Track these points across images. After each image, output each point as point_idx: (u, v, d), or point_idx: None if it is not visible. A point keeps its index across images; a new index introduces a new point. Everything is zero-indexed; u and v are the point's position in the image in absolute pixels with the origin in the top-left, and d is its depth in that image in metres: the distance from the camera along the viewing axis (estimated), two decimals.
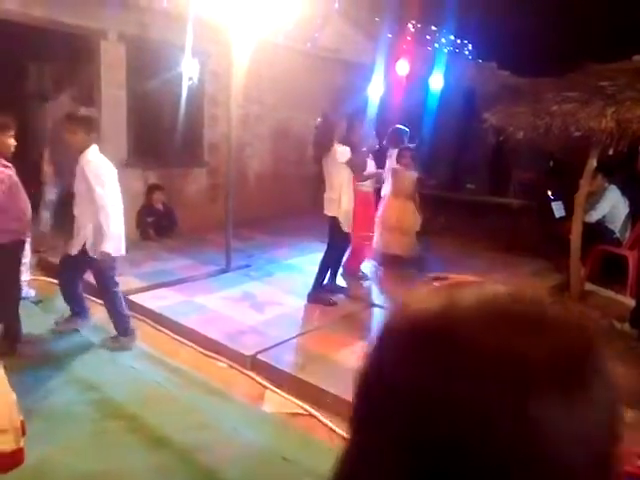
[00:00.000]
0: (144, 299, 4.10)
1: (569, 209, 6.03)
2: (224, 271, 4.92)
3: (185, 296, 4.21)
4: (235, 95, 5.08)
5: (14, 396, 1.98)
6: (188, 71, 6.23)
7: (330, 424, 2.76)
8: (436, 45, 8.16)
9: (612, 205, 5.54)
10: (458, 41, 8.96)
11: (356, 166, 4.29)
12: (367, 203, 4.93)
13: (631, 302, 4.93)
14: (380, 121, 5.58)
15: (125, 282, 4.36)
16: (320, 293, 4.28)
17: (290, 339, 3.56)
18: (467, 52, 8.57)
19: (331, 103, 8.00)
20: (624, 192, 5.61)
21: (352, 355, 3.37)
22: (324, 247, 5.77)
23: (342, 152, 4.13)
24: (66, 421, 2.55)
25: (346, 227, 4.28)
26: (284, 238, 6.34)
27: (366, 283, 5.00)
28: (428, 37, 8.42)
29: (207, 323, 3.73)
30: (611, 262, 5.51)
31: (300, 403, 2.94)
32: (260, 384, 3.14)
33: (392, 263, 5.29)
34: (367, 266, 5.28)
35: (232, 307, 4.06)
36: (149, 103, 5.90)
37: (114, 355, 3.32)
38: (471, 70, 7.83)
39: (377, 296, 4.62)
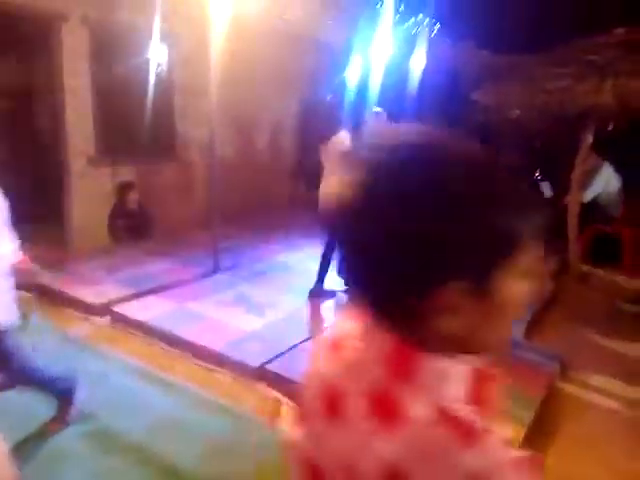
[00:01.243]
0: (130, 309, 3.72)
1: (557, 189, 5.95)
2: (212, 273, 4.57)
3: (175, 303, 3.85)
4: (209, 81, 4.68)
5: (5, 447, 1.64)
6: (157, 57, 5.78)
7: None
8: (412, 26, 7.90)
9: (605, 184, 5.46)
10: (428, 20, 8.76)
11: None
12: None
13: (630, 282, 4.87)
14: (359, 104, 5.32)
15: (105, 291, 4.00)
16: (323, 288, 4.06)
17: (298, 344, 3.26)
18: (443, 33, 8.34)
19: (308, 86, 7.68)
20: (616, 169, 5.54)
21: None
22: (312, 242, 5.49)
23: (344, 139, 3.90)
24: (62, 463, 2.19)
25: None
26: (269, 234, 6.03)
27: None
28: (401, 17, 8.17)
29: (204, 332, 3.39)
30: (601, 241, 5.44)
31: None
32: (272, 398, 2.85)
33: None
34: None
35: (228, 312, 3.73)
36: (116, 93, 5.42)
37: (105, 374, 2.95)
38: (450, 51, 7.62)
39: None
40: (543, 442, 2.53)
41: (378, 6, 8.04)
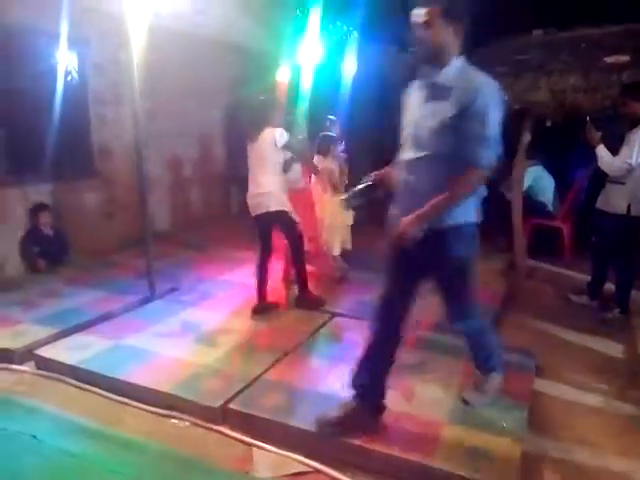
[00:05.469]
0: (57, 352, 3.18)
1: (494, 187, 6.01)
2: (148, 300, 4.09)
3: (110, 340, 3.35)
4: (125, 90, 4.20)
5: None
6: (66, 64, 5.19)
7: (344, 478, 2.22)
8: (337, 31, 7.79)
9: (534, 178, 5.56)
10: (352, 26, 8.71)
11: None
12: (302, 202, 4.35)
13: (573, 274, 4.97)
14: (292, 110, 5.13)
15: (23, 332, 3.45)
16: (308, 295, 4.00)
17: (261, 375, 2.92)
18: (366, 37, 8.30)
19: (233, 94, 7.32)
20: (548, 166, 5.67)
21: (340, 382, 2.83)
22: (258, 255, 5.14)
23: (281, 134, 3.68)
24: None
25: (295, 216, 3.88)
26: (205, 251, 5.59)
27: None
28: (325, 23, 8.03)
29: (150, 372, 2.95)
30: (543, 235, 5.55)
31: (301, 458, 2.34)
32: (242, 442, 2.49)
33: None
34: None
35: (174, 345, 3.29)
36: (22, 103, 4.79)
37: (34, 436, 2.45)
38: (377, 56, 7.59)
39: (337, 303, 4.09)
40: (540, 455, 2.37)
41: (298, 12, 7.85)
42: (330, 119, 4.96)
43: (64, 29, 4.76)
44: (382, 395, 2.47)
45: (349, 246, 4.95)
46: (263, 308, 3.86)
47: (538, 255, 5.36)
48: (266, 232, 3.89)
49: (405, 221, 2.13)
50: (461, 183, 2.08)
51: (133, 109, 3.96)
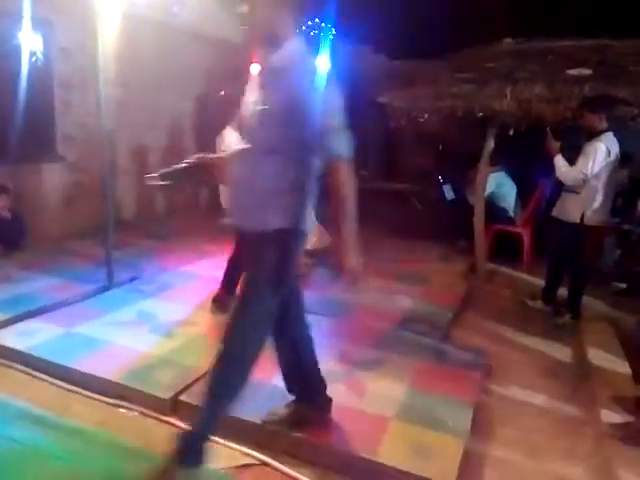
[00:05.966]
0: (6, 337, 3.11)
1: (458, 191, 6.14)
2: (106, 288, 4.03)
3: (62, 327, 3.29)
4: (93, 76, 4.11)
5: None
6: (30, 46, 5.05)
7: (291, 472, 2.24)
8: (312, 26, 7.78)
9: (496, 185, 5.70)
10: (325, 24, 8.72)
11: None
12: None
13: (530, 278, 5.11)
14: None
15: None
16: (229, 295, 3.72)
17: None
18: (341, 36, 8.32)
19: (205, 86, 7.26)
20: (510, 173, 5.81)
21: None
22: (219, 248, 5.13)
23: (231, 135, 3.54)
24: None
25: None
26: (169, 242, 5.54)
27: None
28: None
29: (102, 361, 2.91)
30: (503, 241, 5.69)
31: (248, 451, 2.35)
32: None
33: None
34: None
35: (129, 334, 3.25)
36: None
37: None
38: (351, 54, 7.62)
39: None
40: (482, 453, 2.44)
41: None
42: None
43: (27, 10, 4.64)
44: (321, 392, 2.44)
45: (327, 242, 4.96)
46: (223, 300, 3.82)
47: (499, 259, 5.50)
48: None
49: (352, 262, 2.01)
50: (345, 180, 1.92)
51: (97, 95, 3.88)
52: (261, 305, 2.03)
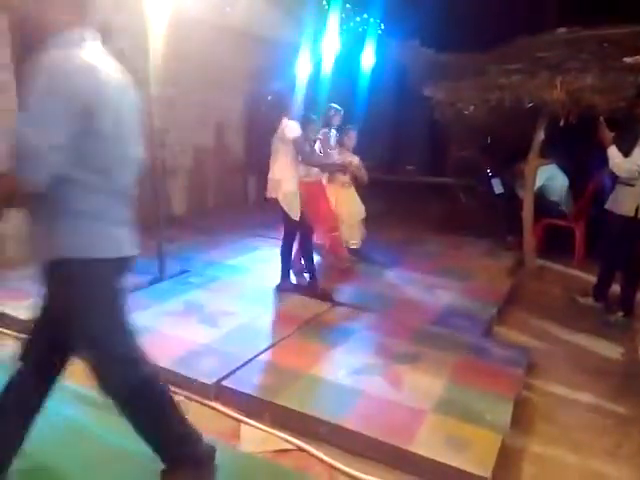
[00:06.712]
0: None
1: (507, 185, 5.99)
2: (157, 280, 4.23)
3: None
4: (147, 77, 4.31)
5: None
6: None
7: (326, 458, 2.29)
8: (360, 23, 7.79)
9: (547, 178, 5.52)
10: (374, 19, 8.70)
11: (301, 147, 3.89)
12: (315, 194, 4.40)
13: (582, 275, 4.93)
14: (310, 102, 5.16)
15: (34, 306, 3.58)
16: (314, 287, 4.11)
17: (257, 356, 3.01)
18: (387, 30, 8.29)
19: (254, 85, 7.42)
20: (562, 166, 5.62)
21: (332, 367, 2.92)
22: (266, 243, 5.27)
23: (291, 127, 3.79)
24: None
25: (291, 212, 3.92)
26: (218, 237, 5.72)
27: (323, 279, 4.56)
28: (347, 16, 8.04)
29: (152, 347, 3.02)
30: (554, 235, 5.51)
31: (285, 436, 2.43)
32: (231, 417, 2.59)
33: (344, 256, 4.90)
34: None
35: (178, 324, 3.42)
36: None
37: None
38: (397, 49, 7.57)
39: (339, 293, 4.16)
40: (521, 448, 2.41)
41: (324, 4, 7.88)
42: (334, 108, 4.92)
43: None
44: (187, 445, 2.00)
45: (360, 241, 5.04)
46: (286, 287, 4.10)
47: (550, 255, 5.33)
48: (282, 215, 4.01)
49: None
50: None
51: (147, 95, 4.07)
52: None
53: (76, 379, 2.78)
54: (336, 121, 4.90)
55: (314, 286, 4.15)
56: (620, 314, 3.89)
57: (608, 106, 4.17)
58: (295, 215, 3.92)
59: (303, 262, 4.33)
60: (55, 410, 2.51)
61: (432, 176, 6.99)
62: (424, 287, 4.34)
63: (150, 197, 4.70)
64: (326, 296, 4.01)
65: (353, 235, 4.91)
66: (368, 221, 5.21)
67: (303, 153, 3.92)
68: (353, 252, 5.00)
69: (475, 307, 3.93)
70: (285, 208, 3.90)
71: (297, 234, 4.15)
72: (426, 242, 5.73)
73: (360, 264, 4.89)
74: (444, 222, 6.22)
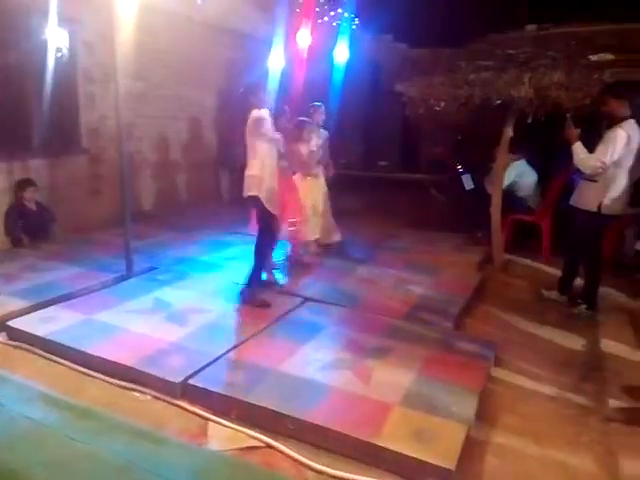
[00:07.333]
0: (28, 323, 3.26)
1: (477, 181, 6.06)
2: (125, 278, 4.16)
3: (82, 314, 3.42)
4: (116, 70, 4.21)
5: None
6: (56, 41, 5.20)
7: (295, 455, 2.29)
8: (333, 18, 7.77)
9: (517, 174, 5.61)
10: (347, 14, 8.69)
11: (260, 124, 3.66)
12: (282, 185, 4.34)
13: (549, 269, 5.03)
14: (283, 94, 5.13)
15: (0, 304, 3.50)
16: (254, 290, 3.82)
17: (225, 354, 2.99)
18: (361, 25, 8.29)
19: (227, 79, 7.34)
20: (531, 162, 5.71)
21: (301, 363, 2.92)
22: (239, 239, 5.21)
23: (258, 114, 3.62)
24: None
25: (271, 207, 3.76)
26: (189, 233, 5.65)
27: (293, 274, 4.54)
28: (321, 9, 8.01)
29: (117, 346, 3.02)
30: (523, 231, 5.61)
31: (253, 433, 2.42)
32: (199, 416, 2.56)
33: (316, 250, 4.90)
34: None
35: (145, 322, 3.36)
36: (10, 80, 4.81)
37: (2, 403, 2.52)
38: (370, 44, 7.59)
39: (310, 288, 4.16)
40: (485, 440, 2.45)
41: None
42: (314, 105, 4.93)
43: (54, 8, 4.78)
44: None
45: (337, 238, 5.04)
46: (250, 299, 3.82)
47: (519, 250, 5.43)
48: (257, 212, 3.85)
49: None
50: None
51: (116, 88, 3.98)
52: None
53: (42, 381, 2.75)
54: (317, 118, 4.86)
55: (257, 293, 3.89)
56: (583, 307, 3.98)
57: (574, 103, 4.25)
58: (275, 209, 3.81)
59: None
60: (20, 411, 2.45)
61: (405, 172, 7.03)
62: (395, 282, 4.37)
63: (119, 192, 4.63)
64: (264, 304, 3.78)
65: (316, 228, 4.87)
66: (342, 217, 5.22)
67: (260, 129, 3.66)
68: (326, 247, 5.00)
69: (444, 301, 3.97)
70: (266, 205, 3.75)
71: (274, 232, 4.04)
72: (399, 238, 5.76)
73: (333, 260, 4.89)
74: (417, 218, 6.27)
